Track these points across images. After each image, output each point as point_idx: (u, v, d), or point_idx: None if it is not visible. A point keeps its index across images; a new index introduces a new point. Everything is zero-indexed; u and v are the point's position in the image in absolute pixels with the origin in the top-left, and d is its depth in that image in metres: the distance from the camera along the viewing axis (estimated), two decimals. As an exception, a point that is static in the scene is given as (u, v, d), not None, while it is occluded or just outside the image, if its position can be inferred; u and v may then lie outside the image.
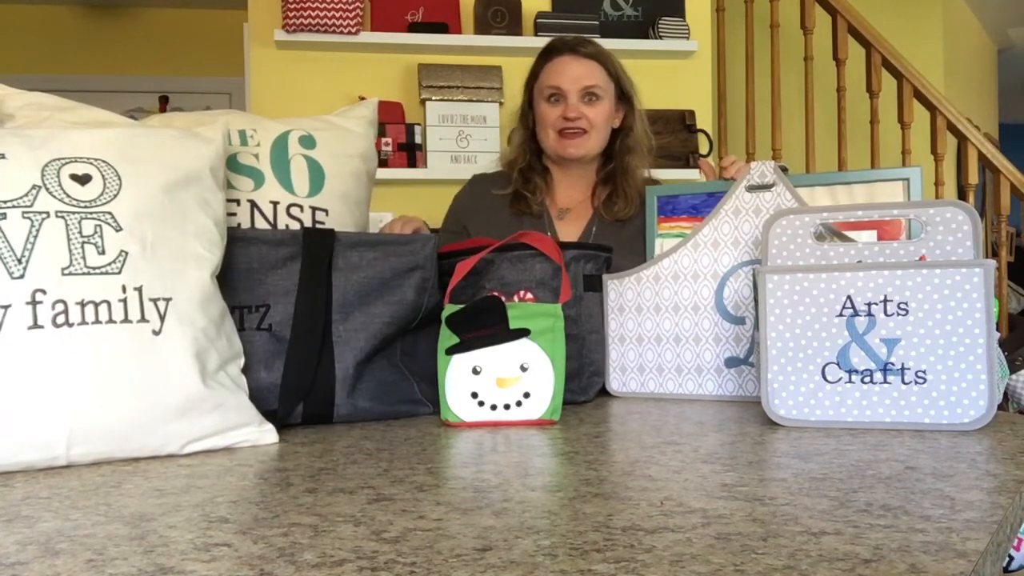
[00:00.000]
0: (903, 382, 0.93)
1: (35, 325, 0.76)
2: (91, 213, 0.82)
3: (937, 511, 0.58)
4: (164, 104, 4.81)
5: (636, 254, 1.46)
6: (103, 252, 0.81)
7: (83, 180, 0.83)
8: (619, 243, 1.44)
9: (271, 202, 1.12)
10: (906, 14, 4.35)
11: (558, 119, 1.63)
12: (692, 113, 2.97)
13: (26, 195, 0.80)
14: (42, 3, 4.79)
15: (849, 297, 0.96)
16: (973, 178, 3.24)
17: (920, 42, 4.28)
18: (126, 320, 0.81)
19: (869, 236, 1.16)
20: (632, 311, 1.27)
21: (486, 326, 1.01)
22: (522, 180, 1.68)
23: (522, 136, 1.73)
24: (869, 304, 0.95)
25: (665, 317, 1.25)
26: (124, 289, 0.81)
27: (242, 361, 0.94)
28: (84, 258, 0.80)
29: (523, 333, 1.01)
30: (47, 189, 0.81)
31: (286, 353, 1.02)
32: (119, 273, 0.81)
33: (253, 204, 1.11)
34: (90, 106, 1.08)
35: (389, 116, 2.75)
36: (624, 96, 1.69)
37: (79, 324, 0.78)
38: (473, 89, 2.80)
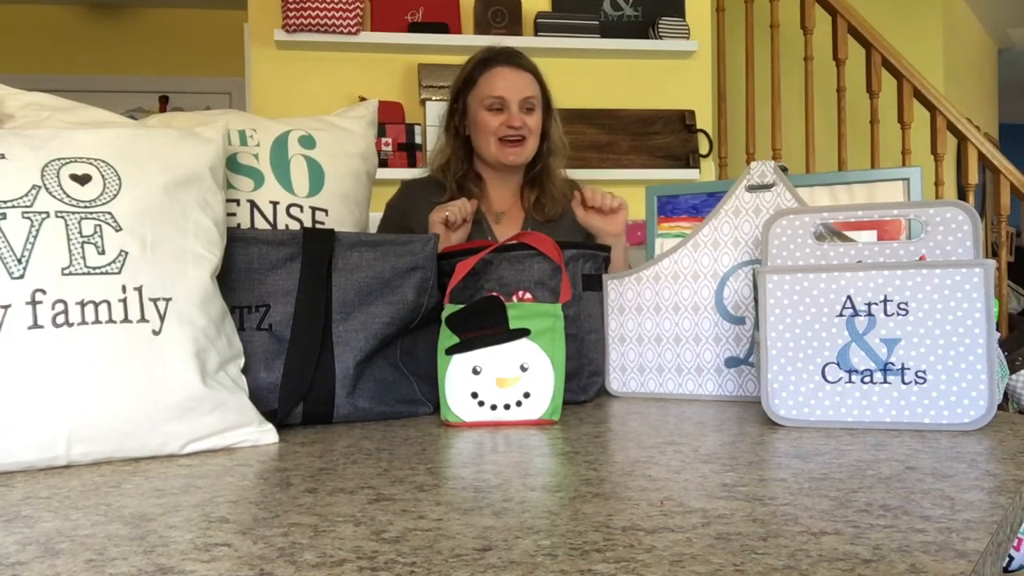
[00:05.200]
0: (903, 382, 0.93)
1: (35, 325, 0.76)
2: (91, 213, 0.82)
3: (937, 511, 0.58)
4: (164, 104, 4.81)
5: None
6: (103, 252, 0.81)
7: (83, 180, 0.83)
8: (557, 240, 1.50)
9: (271, 202, 1.12)
10: (906, 14, 4.35)
11: (500, 127, 1.69)
12: (692, 113, 2.98)
13: (26, 195, 0.80)
14: (42, 3, 4.79)
15: (849, 297, 0.96)
16: (973, 178, 3.24)
17: (920, 42, 4.28)
18: (126, 320, 0.81)
19: (869, 236, 1.16)
20: (632, 311, 1.27)
21: (486, 326, 1.01)
22: (457, 187, 1.72)
23: (453, 143, 1.76)
24: (869, 304, 0.95)
25: (665, 317, 1.25)
26: (124, 289, 0.81)
27: (242, 361, 0.94)
28: (84, 258, 0.80)
29: (523, 333, 1.01)
30: (47, 189, 0.81)
31: (286, 353, 1.02)
32: (119, 273, 0.81)
33: (253, 204, 1.11)
34: (90, 106, 1.08)
35: (389, 116, 2.75)
36: (547, 104, 1.77)
37: (79, 324, 0.78)
38: (473, 89, 2.80)
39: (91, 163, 0.85)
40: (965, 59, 4.99)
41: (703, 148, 2.97)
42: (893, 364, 0.94)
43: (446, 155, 1.77)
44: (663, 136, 2.96)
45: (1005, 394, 2.42)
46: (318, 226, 1.14)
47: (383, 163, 2.71)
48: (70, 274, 0.79)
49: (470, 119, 1.74)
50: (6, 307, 0.76)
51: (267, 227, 1.11)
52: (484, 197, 1.74)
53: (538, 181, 1.75)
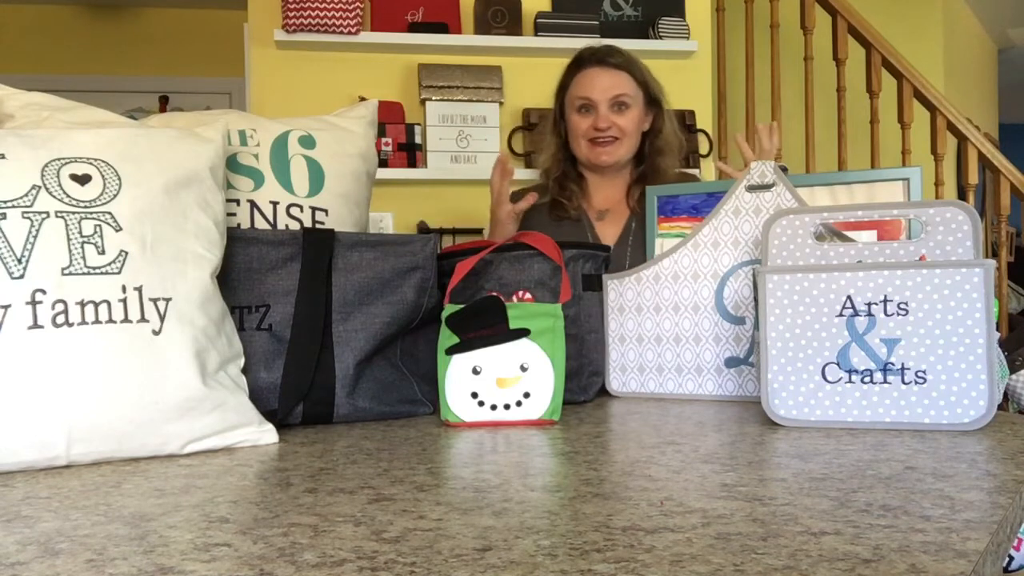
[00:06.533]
0: (903, 382, 0.93)
1: (35, 325, 0.76)
2: (91, 213, 0.82)
3: (937, 511, 0.58)
4: (164, 104, 4.81)
5: None
6: (103, 252, 0.81)
7: (83, 180, 0.83)
8: None
9: (271, 202, 1.12)
10: (906, 14, 4.35)
11: (589, 129, 1.71)
12: (692, 113, 2.97)
13: (26, 195, 0.80)
14: (42, 3, 4.79)
15: (849, 297, 0.96)
16: (973, 178, 3.24)
17: (920, 42, 4.28)
18: (126, 320, 0.81)
19: (869, 236, 1.16)
20: (632, 311, 1.27)
21: (486, 326, 1.01)
22: (558, 188, 1.76)
23: (555, 146, 1.80)
24: (869, 304, 0.95)
25: (665, 317, 1.25)
26: (124, 289, 0.81)
27: (242, 361, 0.94)
28: (84, 258, 0.80)
29: (523, 333, 1.01)
30: (47, 189, 0.81)
31: (286, 353, 1.02)
32: (119, 273, 0.81)
33: (253, 204, 1.11)
34: (90, 106, 1.08)
35: (389, 116, 2.75)
36: (653, 100, 1.76)
37: (79, 324, 0.78)
38: (473, 89, 2.80)
39: (91, 163, 0.85)
40: (965, 59, 4.99)
41: (703, 148, 2.97)
42: (893, 364, 0.94)
43: (548, 157, 1.81)
44: (663, 136, 2.95)
45: (1005, 394, 2.42)
46: (318, 226, 1.14)
47: (383, 163, 2.71)
48: (70, 274, 0.79)
49: (566, 122, 1.77)
50: (6, 307, 0.76)
51: (267, 227, 1.11)
52: (585, 196, 1.77)
53: (644, 179, 1.74)
